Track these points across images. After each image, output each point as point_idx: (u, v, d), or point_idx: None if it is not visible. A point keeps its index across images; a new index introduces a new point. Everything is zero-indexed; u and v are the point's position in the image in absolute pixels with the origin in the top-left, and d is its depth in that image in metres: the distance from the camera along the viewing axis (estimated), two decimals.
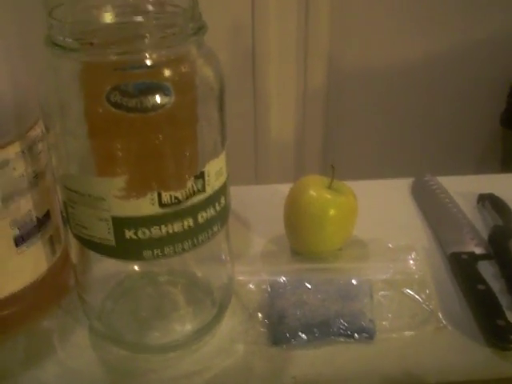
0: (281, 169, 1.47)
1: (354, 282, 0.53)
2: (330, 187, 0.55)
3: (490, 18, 1.40)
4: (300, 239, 0.57)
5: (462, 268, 0.54)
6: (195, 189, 0.38)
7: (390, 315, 0.50)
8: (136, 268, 0.50)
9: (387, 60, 1.44)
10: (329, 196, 0.54)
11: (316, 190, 0.55)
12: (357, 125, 1.49)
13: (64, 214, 0.41)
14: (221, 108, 0.40)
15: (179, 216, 0.38)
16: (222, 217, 0.43)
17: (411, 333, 0.48)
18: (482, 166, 1.54)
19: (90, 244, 0.40)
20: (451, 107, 1.50)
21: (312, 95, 1.43)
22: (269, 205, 0.63)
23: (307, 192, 0.55)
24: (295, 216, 0.56)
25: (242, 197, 0.67)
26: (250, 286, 0.53)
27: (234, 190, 0.62)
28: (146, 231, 0.38)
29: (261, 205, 0.66)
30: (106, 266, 0.47)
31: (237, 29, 1.34)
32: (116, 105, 0.35)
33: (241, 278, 0.53)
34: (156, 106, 0.36)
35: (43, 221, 0.46)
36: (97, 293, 0.48)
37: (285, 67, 1.40)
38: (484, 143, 1.56)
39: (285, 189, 0.58)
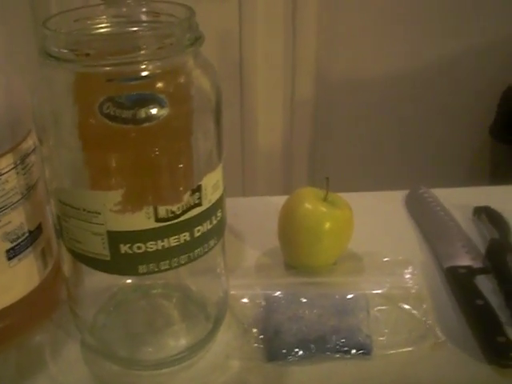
0: (268, 180, 1.47)
1: (349, 296, 0.52)
2: (325, 200, 0.55)
3: (479, 28, 1.41)
4: (295, 252, 0.56)
5: (460, 282, 0.53)
6: (192, 202, 0.38)
7: (386, 330, 0.49)
8: (129, 281, 0.49)
9: (376, 70, 1.44)
10: (324, 209, 0.54)
11: (311, 202, 0.54)
12: (345, 135, 1.49)
13: (57, 228, 0.40)
14: (217, 120, 0.39)
15: (175, 230, 0.38)
16: (219, 230, 0.42)
17: (409, 349, 0.47)
18: (471, 177, 1.54)
19: (83, 258, 0.39)
20: (440, 118, 1.50)
21: (300, 105, 1.43)
22: (262, 217, 0.62)
23: (302, 205, 0.54)
24: (290, 229, 0.55)
25: (234, 208, 0.66)
26: (245, 300, 0.52)
27: (228, 201, 0.62)
28: (142, 246, 0.37)
29: (254, 217, 0.66)
30: (98, 280, 0.46)
31: (224, 39, 1.33)
32: (109, 116, 0.35)
33: (235, 292, 0.53)
34: (151, 118, 0.35)
35: (35, 233, 0.45)
36: (89, 306, 0.47)
37: (272, 77, 1.40)
38: (474, 154, 1.57)
39: (278, 201, 0.57)
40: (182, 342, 0.46)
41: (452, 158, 1.54)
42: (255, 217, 0.65)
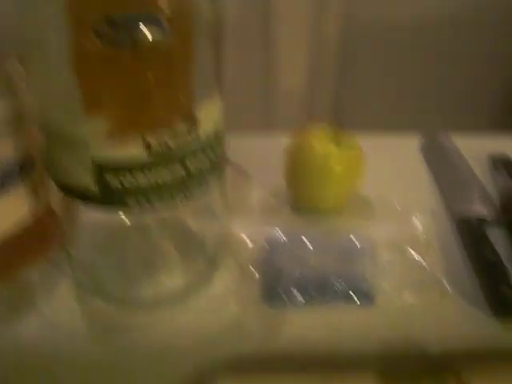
0: (290, 119, 1.43)
1: (355, 242, 0.50)
2: (335, 139, 0.52)
3: None
4: (300, 194, 0.54)
5: (471, 233, 0.51)
6: (187, 135, 0.35)
7: (392, 279, 0.47)
8: (126, 220, 0.47)
9: (403, 13, 1.38)
10: (333, 149, 0.51)
11: (320, 141, 0.51)
12: (370, 78, 1.44)
13: (44, 159, 0.38)
14: (217, 43, 0.36)
15: (169, 164, 0.35)
16: (218, 168, 0.39)
17: (414, 298, 0.45)
18: (497, 125, 1.49)
19: (71, 192, 0.37)
20: (469, 61, 1.44)
21: (325, 46, 1.38)
22: (270, 155, 0.60)
23: (310, 143, 0.51)
24: (296, 169, 0.53)
25: (241, 146, 0.64)
26: (247, 241, 0.50)
27: (233, 140, 0.59)
28: (132, 179, 0.35)
29: (261, 155, 0.63)
30: (92, 218, 0.44)
31: None
32: (103, 37, 0.32)
33: (237, 232, 0.51)
34: (147, 40, 0.32)
35: (26, 166, 0.43)
36: (83, 245, 0.45)
37: (299, 16, 1.34)
38: (499, 101, 1.51)
39: (287, 138, 0.54)
40: (179, 282, 0.44)
41: (479, 103, 1.49)
42: (263, 155, 0.63)
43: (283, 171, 0.54)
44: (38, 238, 0.47)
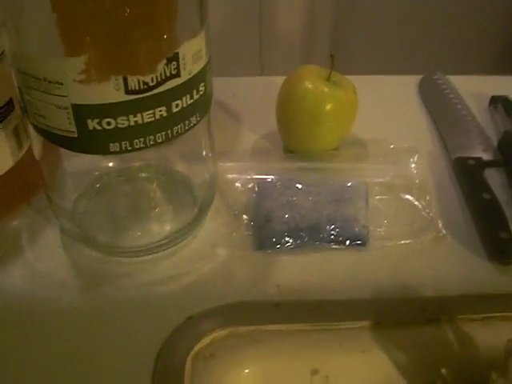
0: (287, 62, 1.39)
1: (349, 184, 0.49)
2: (328, 80, 0.50)
3: None
4: (292, 135, 0.52)
5: (467, 174, 0.49)
6: (168, 73, 0.33)
7: (385, 221, 0.46)
8: (111, 164, 0.45)
9: None
10: (326, 89, 0.49)
11: (312, 81, 0.49)
12: (367, 19, 1.40)
13: (21, 103, 0.36)
14: None
15: (149, 104, 0.33)
16: (202, 106, 0.38)
17: (408, 241, 0.44)
18: (497, 66, 1.46)
19: (50, 136, 0.35)
20: (467, 5, 1.40)
21: None
22: (262, 98, 0.58)
23: (302, 84, 0.49)
24: (288, 110, 0.51)
25: (233, 89, 0.62)
26: (237, 184, 0.49)
27: (225, 82, 0.57)
28: (112, 121, 0.33)
29: (254, 98, 0.61)
30: (76, 163, 0.43)
31: None
32: None
33: (227, 175, 0.49)
34: None
35: (5, 110, 0.41)
36: (66, 192, 0.44)
37: None
38: (502, 41, 1.47)
39: (281, 81, 0.52)
40: (167, 227, 0.43)
41: (478, 45, 1.45)
42: (255, 98, 0.61)
43: (276, 113, 0.52)
44: (20, 185, 0.45)
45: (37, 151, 0.40)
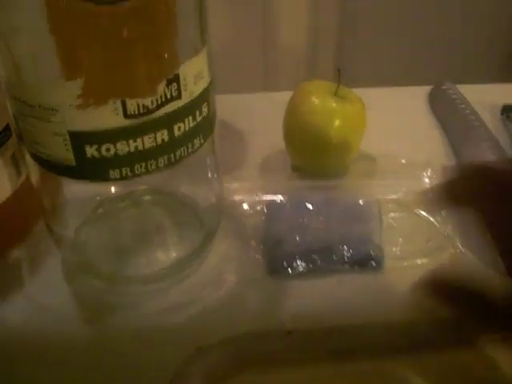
0: (292, 74, 1.38)
1: (360, 202, 0.47)
2: (335, 94, 0.48)
3: None
4: (301, 153, 0.51)
5: None
6: (168, 95, 0.31)
7: (400, 240, 0.44)
8: (112, 189, 0.44)
9: None
10: (334, 104, 0.47)
11: (319, 97, 0.48)
12: (373, 27, 1.38)
13: (17, 130, 0.35)
14: None
15: (150, 128, 0.32)
16: (205, 128, 0.36)
17: (424, 260, 0.42)
18: (506, 74, 1.44)
19: (47, 164, 0.34)
20: (477, 8, 1.38)
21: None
22: (268, 114, 0.56)
23: (309, 99, 0.48)
24: (296, 127, 0.49)
25: (237, 105, 0.60)
26: (244, 206, 0.47)
27: (229, 99, 0.56)
28: (111, 147, 0.32)
29: (259, 114, 0.60)
30: (76, 189, 0.41)
31: None
32: None
33: (234, 197, 0.48)
34: None
35: (2, 136, 0.40)
36: (67, 220, 0.42)
37: None
38: (508, 49, 1.46)
39: (287, 96, 0.51)
40: (172, 254, 0.41)
41: (487, 53, 1.44)
42: (261, 115, 0.59)
43: (283, 130, 0.51)
44: (20, 213, 0.44)
45: (35, 179, 0.39)
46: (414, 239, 0.44)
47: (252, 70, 1.37)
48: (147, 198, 0.45)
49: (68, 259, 0.42)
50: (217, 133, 0.40)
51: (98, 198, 0.44)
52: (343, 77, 0.48)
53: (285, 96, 0.51)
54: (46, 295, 0.41)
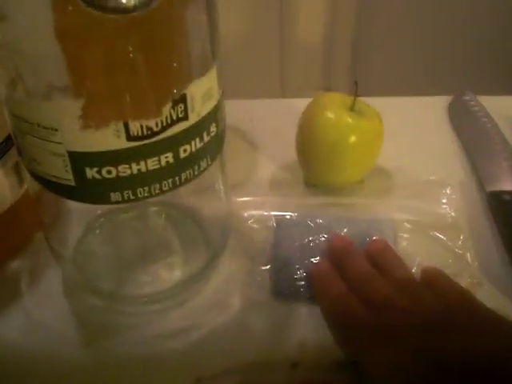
0: (308, 80, 1.36)
1: (374, 221, 0.45)
2: (351, 109, 0.46)
3: None
4: (314, 169, 0.49)
5: (503, 211, 0.45)
6: (174, 116, 0.30)
7: (415, 264, 0.42)
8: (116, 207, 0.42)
9: None
10: (350, 119, 0.45)
11: (335, 111, 0.46)
12: (391, 35, 1.35)
13: (16, 148, 0.33)
14: (210, 7, 0.30)
15: (154, 151, 0.30)
16: (213, 148, 0.34)
17: None
18: None
19: (46, 183, 0.32)
20: (498, 16, 1.35)
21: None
22: (282, 123, 0.54)
23: (324, 114, 0.46)
24: (309, 142, 0.47)
25: (250, 113, 0.58)
26: (254, 225, 0.45)
27: (241, 104, 0.54)
28: (112, 170, 0.30)
29: (272, 123, 0.57)
30: (77, 205, 0.39)
31: None
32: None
33: (243, 213, 0.46)
34: (130, 5, 0.27)
35: (4, 146, 0.39)
36: (67, 235, 0.41)
37: None
38: None
39: (301, 104, 0.48)
40: (176, 273, 0.40)
41: (504, 62, 1.40)
42: (274, 123, 0.57)
43: (295, 144, 0.49)
44: (20, 223, 0.42)
45: (33, 194, 0.37)
46: (430, 264, 0.42)
47: (268, 67, 1.35)
48: (151, 209, 0.43)
49: (67, 275, 0.40)
50: (226, 140, 0.37)
51: (99, 211, 0.42)
52: (359, 82, 0.45)
53: (299, 103, 0.49)
54: (43, 312, 0.39)
